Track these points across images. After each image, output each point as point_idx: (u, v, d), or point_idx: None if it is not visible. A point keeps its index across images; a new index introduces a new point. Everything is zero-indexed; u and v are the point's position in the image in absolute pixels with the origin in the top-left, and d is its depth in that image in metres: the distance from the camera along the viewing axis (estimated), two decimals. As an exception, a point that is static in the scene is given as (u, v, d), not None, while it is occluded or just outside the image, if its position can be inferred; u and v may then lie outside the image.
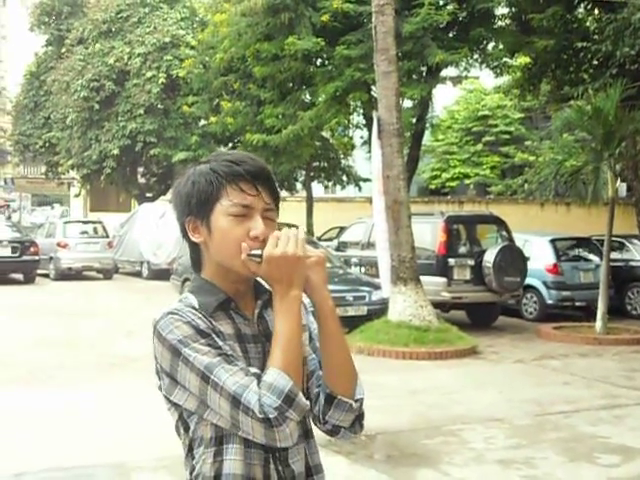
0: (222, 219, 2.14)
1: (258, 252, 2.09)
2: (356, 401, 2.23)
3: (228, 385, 2.01)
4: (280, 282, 2.10)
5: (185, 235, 2.24)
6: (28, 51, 42.49)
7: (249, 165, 2.17)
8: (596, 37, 18.97)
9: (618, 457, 7.85)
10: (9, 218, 41.86)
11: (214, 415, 2.08)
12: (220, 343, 2.09)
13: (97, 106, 32.44)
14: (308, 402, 2.08)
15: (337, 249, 18.97)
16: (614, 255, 16.88)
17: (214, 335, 2.10)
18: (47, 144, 38.90)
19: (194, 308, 2.14)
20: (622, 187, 25.13)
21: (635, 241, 18.82)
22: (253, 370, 2.07)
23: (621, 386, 10.91)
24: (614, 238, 16.37)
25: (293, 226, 2.17)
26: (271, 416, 1.98)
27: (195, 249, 2.26)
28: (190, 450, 2.20)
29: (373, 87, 18.21)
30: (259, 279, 2.25)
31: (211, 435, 2.13)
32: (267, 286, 2.26)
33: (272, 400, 1.99)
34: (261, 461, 2.12)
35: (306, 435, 2.25)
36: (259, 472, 2.13)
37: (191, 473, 2.20)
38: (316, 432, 2.26)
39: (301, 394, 2.04)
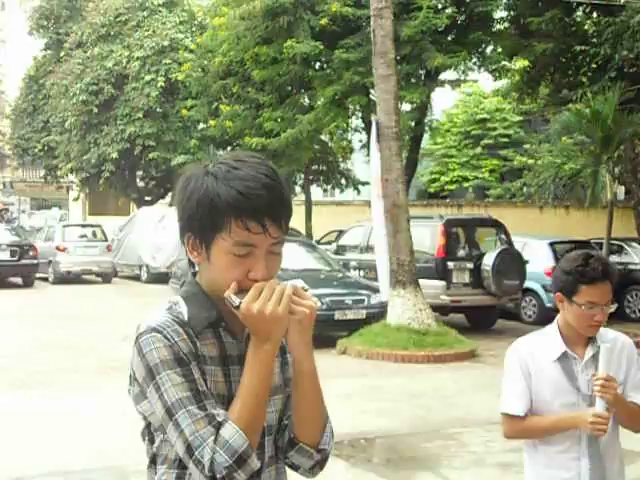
0: (222, 256, 2.01)
1: (236, 302, 1.96)
2: (319, 451, 2.17)
3: (186, 433, 1.96)
4: (255, 334, 1.99)
5: (183, 244, 2.12)
6: (27, 55, 42.50)
7: (261, 199, 1.97)
8: (595, 40, 19.00)
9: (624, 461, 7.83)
10: (9, 222, 41.79)
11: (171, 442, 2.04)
12: (196, 375, 2.00)
13: (96, 110, 32.47)
14: (258, 463, 2.01)
15: (336, 252, 18.97)
16: (613, 258, 16.88)
17: (194, 362, 2.01)
18: (46, 148, 38.90)
19: (182, 323, 2.04)
20: (621, 190, 25.11)
21: (634, 244, 18.82)
22: (220, 417, 1.98)
23: None
24: (613, 241, 16.39)
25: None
26: (218, 476, 1.93)
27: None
28: (153, 462, 2.15)
29: (372, 90, 18.19)
30: None
31: (175, 457, 2.07)
32: None
33: (224, 459, 1.93)
34: None
35: (276, 456, 2.20)
36: None
37: None
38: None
39: (254, 456, 1.98)
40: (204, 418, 1.96)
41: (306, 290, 2.05)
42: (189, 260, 2.14)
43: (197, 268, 2.14)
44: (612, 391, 3.19)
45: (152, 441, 2.13)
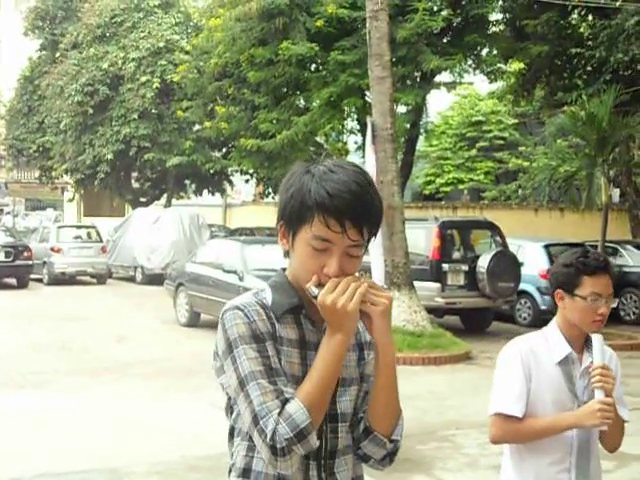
0: (303, 246, 2.17)
1: (315, 292, 2.13)
2: (391, 441, 2.32)
3: (255, 403, 2.11)
4: (330, 324, 2.14)
5: None
6: (22, 55, 42.34)
7: (345, 201, 2.12)
8: (590, 43, 19.04)
9: (613, 463, 7.84)
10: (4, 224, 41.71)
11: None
12: (270, 352, 2.16)
13: (91, 111, 32.40)
14: (317, 442, 2.14)
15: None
16: (608, 261, 16.90)
17: (270, 342, 2.17)
18: (41, 148, 38.80)
19: (265, 307, 2.22)
20: (615, 193, 25.17)
21: (628, 247, 18.86)
22: (288, 393, 2.13)
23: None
24: (607, 244, 16.41)
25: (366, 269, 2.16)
26: (279, 446, 2.08)
27: None
28: (231, 435, 2.33)
29: (367, 92, 18.22)
30: None
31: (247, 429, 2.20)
32: None
33: (286, 431, 2.08)
34: (300, 465, 2.19)
35: (353, 446, 2.33)
36: (298, 476, 2.21)
37: (231, 459, 2.33)
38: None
39: (314, 434, 2.12)
40: (273, 392, 2.12)
41: (385, 288, 2.21)
42: (284, 251, 2.31)
43: (289, 261, 2.31)
44: (611, 380, 3.14)
45: (231, 413, 2.32)
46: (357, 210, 2.13)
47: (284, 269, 2.33)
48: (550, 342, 3.30)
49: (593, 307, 3.22)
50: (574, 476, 3.23)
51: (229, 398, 2.29)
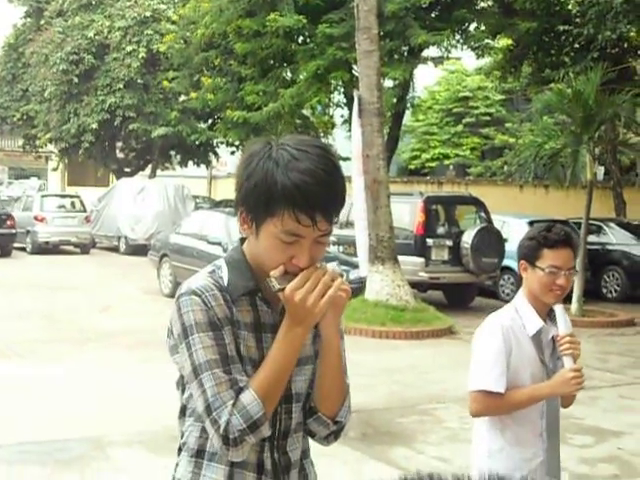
0: (270, 238, 2.07)
1: (277, 287, 2.05)
2: (335, 422, 2.30)
3: (208, 393, 2.08)
4: (292, 317, 2.09)
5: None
6: (6, 23, 41.96)
7: (316, 195, 2.01)
8: (578, 20, 19.02)
9: (591, 438, 7.93)
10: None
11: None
12: (227, 340, 2.11)
13: (76, 79, 32.19)
14: (269, 431, 2.13)
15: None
16: (591, 238, 16.98)
17: (227, 327, 2.12)
18: (25, 117, 38.55)
19: (220, 288, 2.14)
20: (600, 171, 25.22)
21: (612, 225, 18.94)
22: (242, 382, 2.10)
23: (595, 368, 11.00)
24: (591, 221, 16.47)
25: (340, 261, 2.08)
26: (231, 436, 2.06)
27: None
28: (183, 413, 2.29)
29: (354, 66, 18.16)
30: None
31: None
32: None
33: (239, 422, 2.06)
34: (255, 447, 2.17)
35: (304, 423, 2.32)
36: (252, 457, 2.19)
37: (181, 438, 2.30)
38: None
39: (267, 424, 2.10)
40: (227, 382, 2.09)
41: (341, 275, 2.18)
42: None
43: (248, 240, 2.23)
44: (578, 346, 3.31)
45: (183, 391, 2.28)
46: (327, 201, 2.05)
47: (242, 240, 2.25)
48: (523, 316, 3.44)
49: (551, 279, 3.36)
50: (545, 437, 3.43)
51: (181, 375, 2.25)
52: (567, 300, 15.46)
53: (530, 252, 3.42)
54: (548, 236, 3.39)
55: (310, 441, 2.38)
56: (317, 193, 2.01)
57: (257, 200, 2.06)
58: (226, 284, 2.16)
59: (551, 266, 3.35)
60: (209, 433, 2.11)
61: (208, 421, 2.08)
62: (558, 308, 3.36)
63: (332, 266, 2.18)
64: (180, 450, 2.30)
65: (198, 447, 2.22)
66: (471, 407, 3.44)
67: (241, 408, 2.06)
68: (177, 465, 2.30)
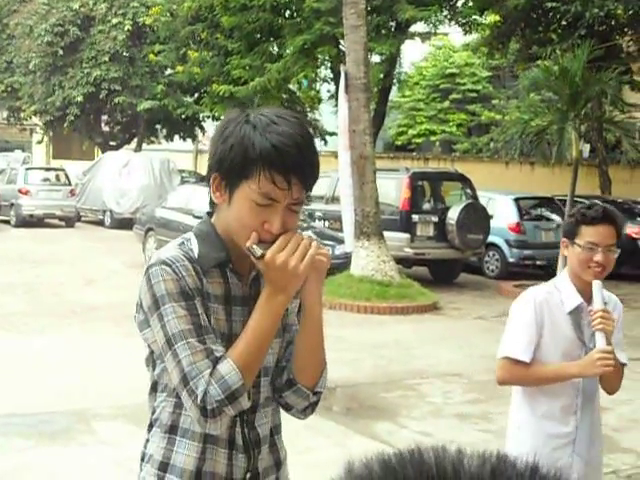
0: (244, 201, 2.05)
1: (259, 252, 2.03)
2: (315, 393, 2.28)
3: (184, 363, 2.04)
4: (272, 284, 2.06)
5: (208, 181, 2.17)
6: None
7: (293, 157, 2.02)
8: (566, -3, 18.94)
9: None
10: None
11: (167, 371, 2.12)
12: (199, 310, 2.08)
13: (61, 52, 31.93)
14: (249, 403, 2.09)
15: (301, 203, 18.93)
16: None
17: (198, 298, 2.09)
18: (9, 89, 38.22)
19: (191, 260, 2.11)
20: (586, 148, 25.25)
21: (596, 202, 18.97)
22: (218, 352, 2.07)
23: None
24: (576, 198, 16.49)
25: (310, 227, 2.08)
26: (209, 407, 2.02)
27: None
28: (154, 389, 2.25)
29: (342, 41, 18.09)
30: None
31: (174, 386, 2.14)
32: None
33: (217, 393, 2.02)
34: (226, 422, 2.13)
35: (273, 397, 2.30)
36: (224, 432, 2.16)
37: (152, 414, 2.26)
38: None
39: (246, 395, 2.06)
40: (203, 351, 2.05)
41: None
42: (210, 200, 2.20)
43: (214, 209, 2.21)
44: (611, 322, 3.31)
45: (154, 367, 2.23)
46: (303, 166, 2.05)
47: (210, 214, 2.23)
48: (562, 293, 3.48)
49: (589, 255, 3.36)
50: (579, 416, 3.48)
51: (151, 352, 2.22)
52: (552, 276, 15.51)
53: (569, 229, 3.46)
54: (586, 213, 3.42)
55: (285, 416, 2.36)
56: (294, 155, 2.02)
57: (233, 162, 2.05)
58: (196, 256, 2.13)
59: (588, 242, 3.37)
60: (186, 405, 2.07)
61: (185, 392, 2.04)
62: (595, 284, 3.36)
63: (307, 234, 2.17)
64: (151, 426, 2.26)
65: (171, 423, 2.19)
66: (497, 374, 3.53)
67: (219, 378, 2.02)
68: (147, 441, 2.27)
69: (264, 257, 2.03)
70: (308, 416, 2.35)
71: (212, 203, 2.20)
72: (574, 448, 3.47)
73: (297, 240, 2.05)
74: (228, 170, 2.07)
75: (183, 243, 2.17)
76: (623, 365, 3.53)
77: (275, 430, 2.31)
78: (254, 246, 2.03)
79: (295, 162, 2.02)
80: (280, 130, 2.03)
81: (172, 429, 2.19)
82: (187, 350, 2.03)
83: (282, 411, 2.37)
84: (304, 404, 2.29)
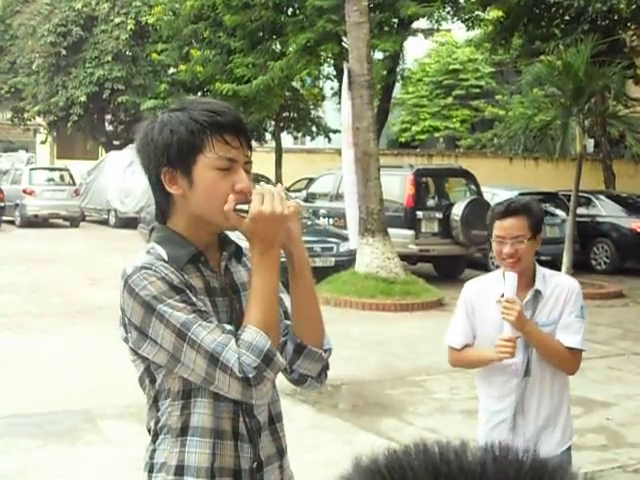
0: (207, 172, 2.07)
1: (245, 207, 2.04)
2: (325, 351, 2.26)
3: (206, 343, 2.00)
4: (263, 240, 2.06)
5: (157, 185, 2.15)
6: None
7: (230, 116, 2.10)
8: (568, -8, 18.91)
9: (580, 408, 7.97)
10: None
11: (185, 370, 2.07)
12: (194, 299, 2.07)
13: (64, 52, 31.96)
14: (285, 361, 2.11)
15: (306, 200, 18.92)
16: (580, 210, 16.99)
17: (188, 290, 2.07)
18: (13, 89, 38.28)
19: (164, 261, 2.10)
20: (590, 143, 25.24)
21: (601, 197, 18.96)
22: (228, 327, 2.06)
23: (584, 340, 11.06)
24: (581, 193, 16.49)
25: (266, 179, 2.14)
26: (250, 375, 1.99)
27: (166, 200, 2.18)
28: (155, 402, 2.19)
29: (344, 38, 18.08)
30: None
31: (179, 388, 2.13)
32: (234, 239, 2.27)
33: (251, 359, 1.99)
34: (230, 414, 2.14)
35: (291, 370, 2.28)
36: (228, 425, 2.14)
37: (156, 424, 2.19)
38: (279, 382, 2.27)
39: (279, 354, 2.06)
40: (217, 328, 2.04)
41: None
42: (159, 210, 2.21)
43: (171, 211, 2.20)
44: (514, 312, 3.47)
45: (153, 381, 2.17)
46: (242, 125, 2.14)
47: (164, 221, 2.21)
48: (494, 282, 3.75)
49: (499, 248, 3.64)
50: (519, 396, 3.68)
51: (147, 367, 2.16)
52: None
53: (489, 226, 3.73)
54: (495, 208, 3.71)
55: (289, 416, 2.35)
56: (232, 116, 2.11)
57: (180, 143, 2.08)
58: (167, 259, 2.12)
59: (496, 236, 3.65)
60: (222, 387, 2.02)
61: (218, 371, 2.00)
62: (508, 275, 3.55)
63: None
64: (157, 435, 2.19)
65: (182, 425, 2.13)
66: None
67: (248, 345, 2.00)
68: (154, 451, 2.19)
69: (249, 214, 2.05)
70: (324, 382, 2.32)
71: (161, 212, 2.21)
72: (511, 427, 3.68)
73: (269, 190, 2.07)
74: (178, 154, 2.09)
75: (149, 251, 2.16)
76: (574, 349, 3.71)
77: (277, 418, 2.29)
78: (238, 206, 2.06)
79: (235, 120, 2.11)
80: (205, 101, 2.18)
81: (183, 431, 2.14)
82: (203, 331, 2.01)
83: (284, 412, 2.35)
84: (318, 367, 2.25)
